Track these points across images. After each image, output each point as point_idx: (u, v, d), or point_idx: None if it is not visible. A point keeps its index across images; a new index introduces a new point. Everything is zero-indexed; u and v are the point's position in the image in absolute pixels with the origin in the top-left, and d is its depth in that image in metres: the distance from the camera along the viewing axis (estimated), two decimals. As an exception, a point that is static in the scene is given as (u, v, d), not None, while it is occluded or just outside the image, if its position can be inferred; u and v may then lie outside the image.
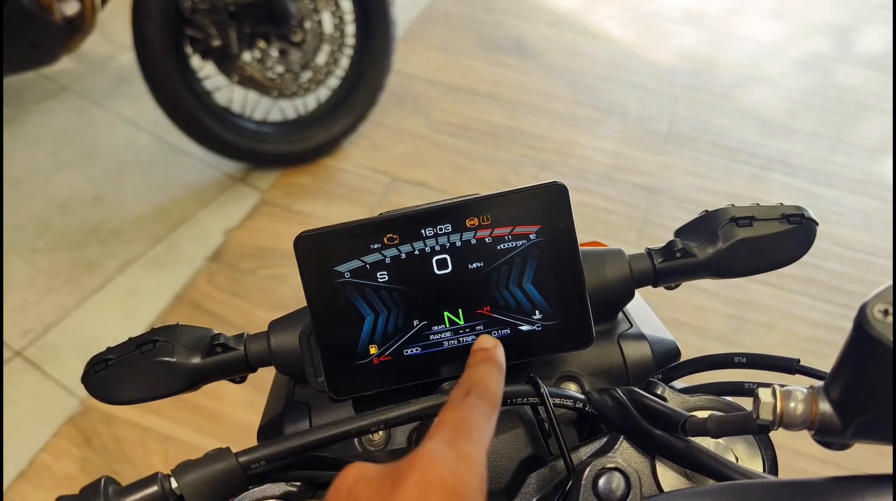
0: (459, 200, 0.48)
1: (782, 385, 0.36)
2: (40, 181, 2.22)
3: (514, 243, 0.47)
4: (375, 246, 0.47)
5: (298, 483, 0.48)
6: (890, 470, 0.33)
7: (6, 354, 1.80)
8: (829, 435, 0.35)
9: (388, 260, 0.47)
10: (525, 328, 0.48)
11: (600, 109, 2.63)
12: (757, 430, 0.37)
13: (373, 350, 0.48)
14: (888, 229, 2.26)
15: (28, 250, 2.03)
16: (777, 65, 2.92)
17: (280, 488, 0.48)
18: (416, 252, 0.47)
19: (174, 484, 0.40)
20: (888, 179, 2.44)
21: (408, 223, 0.47)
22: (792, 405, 0.35)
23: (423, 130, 2.49)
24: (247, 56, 2.12)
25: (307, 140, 2.26)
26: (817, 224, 0.55)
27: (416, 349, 0.48)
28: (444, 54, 2.84)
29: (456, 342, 0.48)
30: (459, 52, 2.86)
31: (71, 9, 2.02)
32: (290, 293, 1.96)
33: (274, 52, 2.14)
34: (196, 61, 2.10)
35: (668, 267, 0.54)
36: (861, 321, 0.31)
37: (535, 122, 2.55)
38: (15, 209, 2.13)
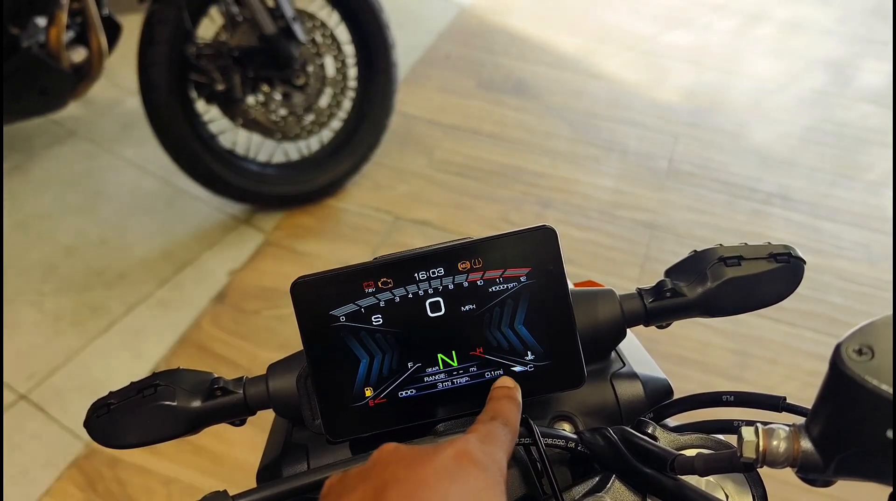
0: (451, 244, 0.49)
1: (766, 423, 0.37)
2: (47, 225, 2.25)
3: (505, 286, 0.48)
4: (370, 290, 0.48)
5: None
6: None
7: (11, 397, 1.80)
8: (812, 472, 0.36)
9: (382, 303, 0.48)
10: (518, 368, 0.49)
11: (601, 147, 2.65)
12: (742, 468, 0.38)
13: (368, 393, 0.49)
14: (890, 261, 2.26)
15: (34, 294, 2.05)
16: (776, 101, 2.95)
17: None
18: (410, 295, 0.48)
19: None
20: (889, 211, 2.45)
21: (401, 267, 0.48)
22: (774, 443, 0.36)
23: (425, 170, 2.51)
24: (250, 100, 2.16)
25: (311, 181, 2.29)
26: (804, 263, 0.56)
27: (412, 391, 0.49)
28: (446, 95, 2.88)
29: (450, 384, 0.49)
30: (460, 93, 2.90)
31: (79, 56, 2.07)
32: (293, 334, 1.95)
33: (277, 96, 2.18)
34: (201, 105, 2.14)
35: (659, 307, 0.55)
36: (836, 361, 0.32)
37: (536, 160, 2.58)
38: (22, 253, 2.15)
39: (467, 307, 0.49)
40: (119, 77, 2.69)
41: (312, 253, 2.22)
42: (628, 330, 0.56)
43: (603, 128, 2.75)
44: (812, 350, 1.97)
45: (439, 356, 0.49)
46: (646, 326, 0.56)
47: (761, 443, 0.36)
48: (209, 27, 2.09)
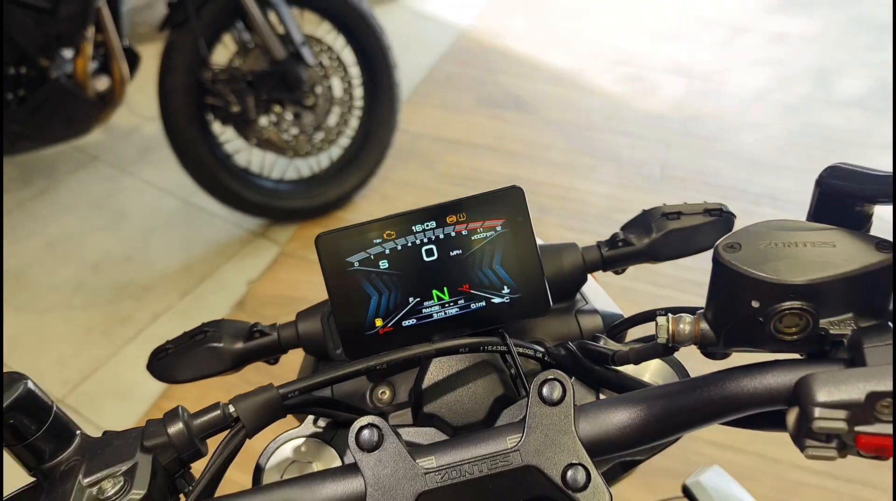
0: (441, 203, 0.62)
1: (675, 313, 0.49)
2: (74, 244, 2.39)
3: (485, 234, 0.61)
4: (377, 241, 0.60)
5: (323, 426, 0.61)
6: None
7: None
8: (709, 347, 0.48)
9: (387, 251, 0.60)
10: (496, 300, 0.61)
11: (595, 157, 2.78)
12: (663, 351, 0.50)
13: (378, 323, 0.61)
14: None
15: (65, 309, 2.18)
16: (764, 108, 3.08)
17: (308, 429, 0.61)
18: (409, 244, 0.60)
19: (231, 410, 0.53)
20: (883, 217, 2.56)
21: (402, 222, 0.61)
22: (681, 326, 0.48)
23: (429, 182, 2.65)
24: (263, 120, 2.30)
25: (321, 196, 2.43)
26: (734, 216, 0.68)
27: (413, 321, 0.61)
28: (447, 112, 3.03)
29: (443, 314, 0.61)
30: (461, 110, 3.04)
31: (102, 84, 2.22)
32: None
33: (288, 116, 2.32)
34: (217, 127, 2.29)
35: (614, 255, 0.68)
36: (715, 256, 0.45)
37: (534, 170, 2.71)
38: (51, 271, 2.29)
39: (455, 252, 0.61)
40: (136, 104, 2.84)
41: (325, 263, 2.35)
42: (590, 275, 0.68)
43: (598, 139, 2.88)
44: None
45: (434, 292, 0.61)
46: (604, 271, 0.69)
47: (670, 327, 0.48)
48: (223, 53, 2.24)
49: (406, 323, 0.61)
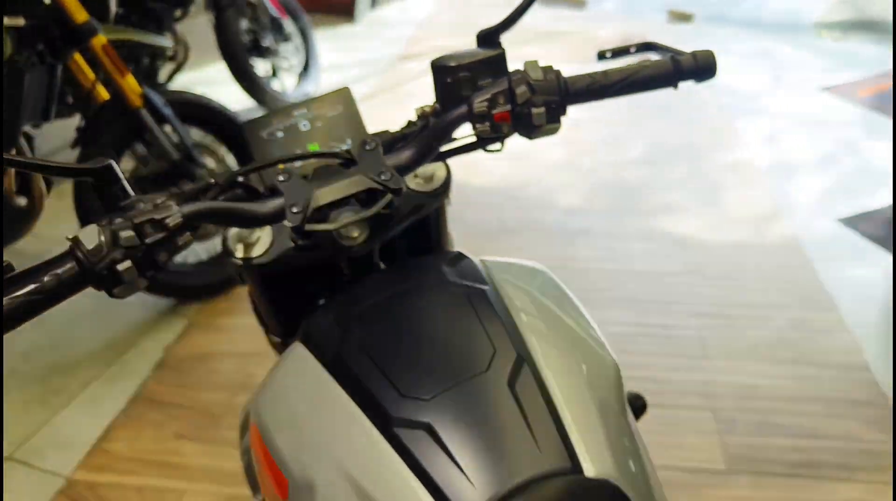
0: (309, 98, 1.16)
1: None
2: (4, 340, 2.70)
3: (331, 114, 1.15)
4: (278, 124, 1.13)
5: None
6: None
7: None
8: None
9: (282, 127, 1.13)
10: (343, 147, 1.15)
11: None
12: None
13: (281, 167, 1.13)
14: (673, 268, 3.07)
15: (4, 391, 2.48)
16: (570, 173, 3.86)
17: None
18: (294, 124, 1.13)
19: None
20: (670, 233, 3.30)
21: (285, 113, 1.14)
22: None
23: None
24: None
25: (221, 273, 2.89)
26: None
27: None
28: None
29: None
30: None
31: (23, 201, 2.64)
32: (224, 378, 2.48)
33: (186, 209, 2.81)
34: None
35: None
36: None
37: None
38: (-18, 369, 2.59)
39: (318, 124, 1.14)
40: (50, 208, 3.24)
41: (231, 327, 2.78)
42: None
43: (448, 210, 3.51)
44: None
45: (309, 146, 1.14)
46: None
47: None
48: (127, 163, 2.74)
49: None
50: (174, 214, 0.72)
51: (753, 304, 2.82)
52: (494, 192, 3.69)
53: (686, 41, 5.71)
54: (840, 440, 2.22)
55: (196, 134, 2.88)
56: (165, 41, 3.05)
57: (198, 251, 2.95)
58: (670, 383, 2.43)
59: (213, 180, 0.88)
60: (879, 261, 3.06)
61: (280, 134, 1.01)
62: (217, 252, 2.95)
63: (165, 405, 2.41)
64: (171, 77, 3.42)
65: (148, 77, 3.15)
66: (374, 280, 0.94)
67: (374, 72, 5.28)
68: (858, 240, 3.19)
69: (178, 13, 3.32)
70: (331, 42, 5.86)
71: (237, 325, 2.78)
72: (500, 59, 0.92)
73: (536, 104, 0.87)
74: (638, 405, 1.24)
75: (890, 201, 3.42)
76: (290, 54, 4.66)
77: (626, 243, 3.22)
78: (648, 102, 4.75)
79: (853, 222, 3.31)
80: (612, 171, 3.89)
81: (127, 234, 0.68)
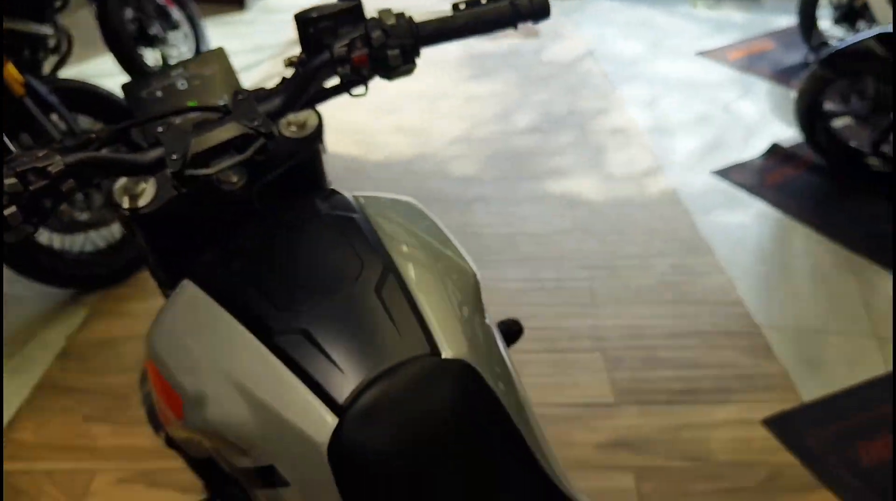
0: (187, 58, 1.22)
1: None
2: None
3: (209, 73, 1.21)
4: (157, 83, 1.18)
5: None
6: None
7: None
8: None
9: (162, 86, 1.18)
10: (221, 103, 1.21)
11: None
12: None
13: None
14: (549, 225, 3.24)
15: None
16: (465, 146, 3.99)
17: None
18: (174, 83, 1.20)
19: None
20: (559, 195, 3.48)
21: (165, 75, 1.20)
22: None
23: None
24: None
25: (121, 260, 2.88)
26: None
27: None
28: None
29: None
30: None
31: None
32: (129, 361, 2.50)
33: (80, 197, 2.78)
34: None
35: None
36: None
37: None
38: None
39: (195, 82, 1.20)
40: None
41: (133, 312, 2.78)
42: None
43: (345, 183, 3.58)
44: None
45: (189, 102, 1.20)
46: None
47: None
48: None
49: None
50: (56, 162, 0.78)
51: (638, 254, 3.02)
52: (392, 166, 3.78)
53: (569, 13, 5.98)
54: (717, 368, 2.43)
55: (85, 122, 2.85)
56: (46, 29, 2.99)
57: (95, 240, 2.92)
58: (563, 329, 2.60)
59: (94, 135, 0.93)
60: (749, 207, 3.32)
61: (159, 93, 1.06)
62: (115, 240, 2.93)
63: (71, 390, 2.40)
64: (55, 69, 3.34)
65: (31, 69, 3.08)
66: (254, 220, 1.02)
67: (267, 57, 5.26)
68: (730, 189, 3.46)
69: (58, 2, 3.24)
70: (221, 28, 5.80)
71: (139, 310, 2.78)
72: (358, 8, 1.01)
73: (392, 47, 0.97)
74: (514, 330, 1.36)
75: (759, 152, 3.72)
76: (179, 42, 4.60)
77: (520, 207, 3.38)
78: (536, 75, 4.99)
79: (725, 173, 3.58)
80: (503, 141, 4.04)
81: (10, 181, 0.73)
